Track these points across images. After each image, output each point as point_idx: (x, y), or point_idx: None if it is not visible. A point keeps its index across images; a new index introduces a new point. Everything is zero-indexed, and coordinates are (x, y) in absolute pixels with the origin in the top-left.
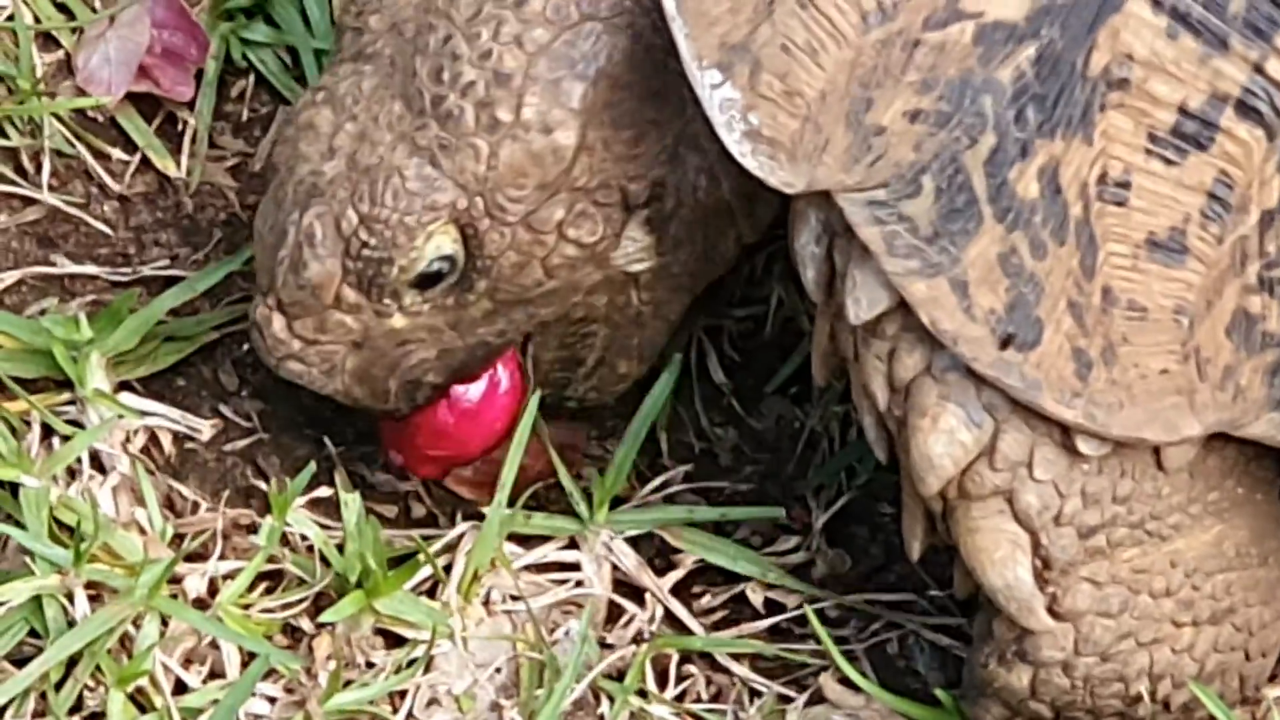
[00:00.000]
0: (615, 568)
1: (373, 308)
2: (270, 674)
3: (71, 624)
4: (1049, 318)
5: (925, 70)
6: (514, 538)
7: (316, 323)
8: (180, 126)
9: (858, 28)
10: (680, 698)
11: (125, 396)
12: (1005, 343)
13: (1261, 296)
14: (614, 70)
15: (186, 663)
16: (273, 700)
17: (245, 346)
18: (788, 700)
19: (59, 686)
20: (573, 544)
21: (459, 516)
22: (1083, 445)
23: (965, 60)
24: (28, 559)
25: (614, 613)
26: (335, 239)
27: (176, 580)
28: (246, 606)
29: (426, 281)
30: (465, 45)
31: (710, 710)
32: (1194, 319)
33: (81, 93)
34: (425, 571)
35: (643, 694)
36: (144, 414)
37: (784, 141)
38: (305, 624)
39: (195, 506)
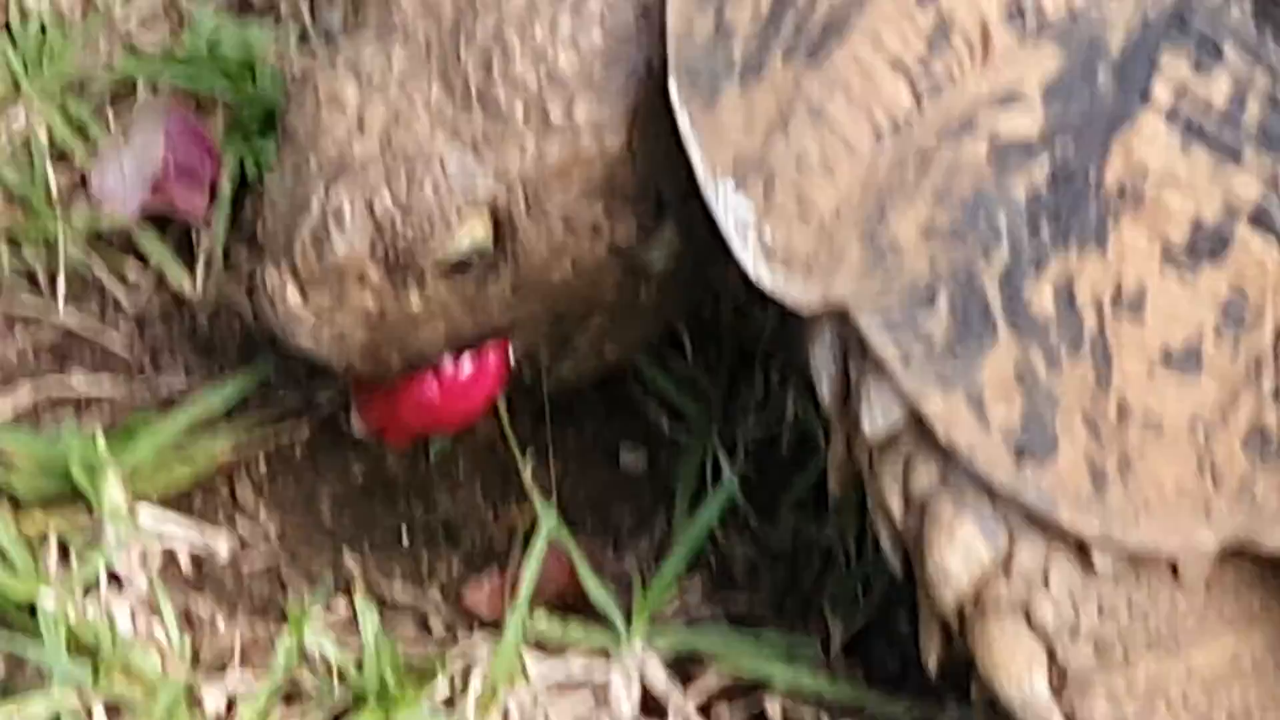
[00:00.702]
0: (644, 684)
1: (394, 289)
2: None
3: None
4: (1064, 431)
5: (939, 185)
6: (539, 651)
7: (334, 299)
8: (195, 243)
9: (872, 143)
10: None
11: (143, 514)
12: (1020, 456)
13: (1277, 408)
14: (661, 77)
15: None
16: None
17: (263, 463)
18: None
19: None
20: (597, 654)
21: (478, 630)
22: (1099, 558)
23: (979, 175)
24: (46, 677)
25: None
26: (365, 219)
27: (195, 697)
28: None
29: (454, 269)
30: (518, 39)
31: None
32: (1209, 432)
33: (97, 211)
34: (443, 687)
35: None
36: (161, 533)
37: (798, 256)
38: None
39: (213, 623)
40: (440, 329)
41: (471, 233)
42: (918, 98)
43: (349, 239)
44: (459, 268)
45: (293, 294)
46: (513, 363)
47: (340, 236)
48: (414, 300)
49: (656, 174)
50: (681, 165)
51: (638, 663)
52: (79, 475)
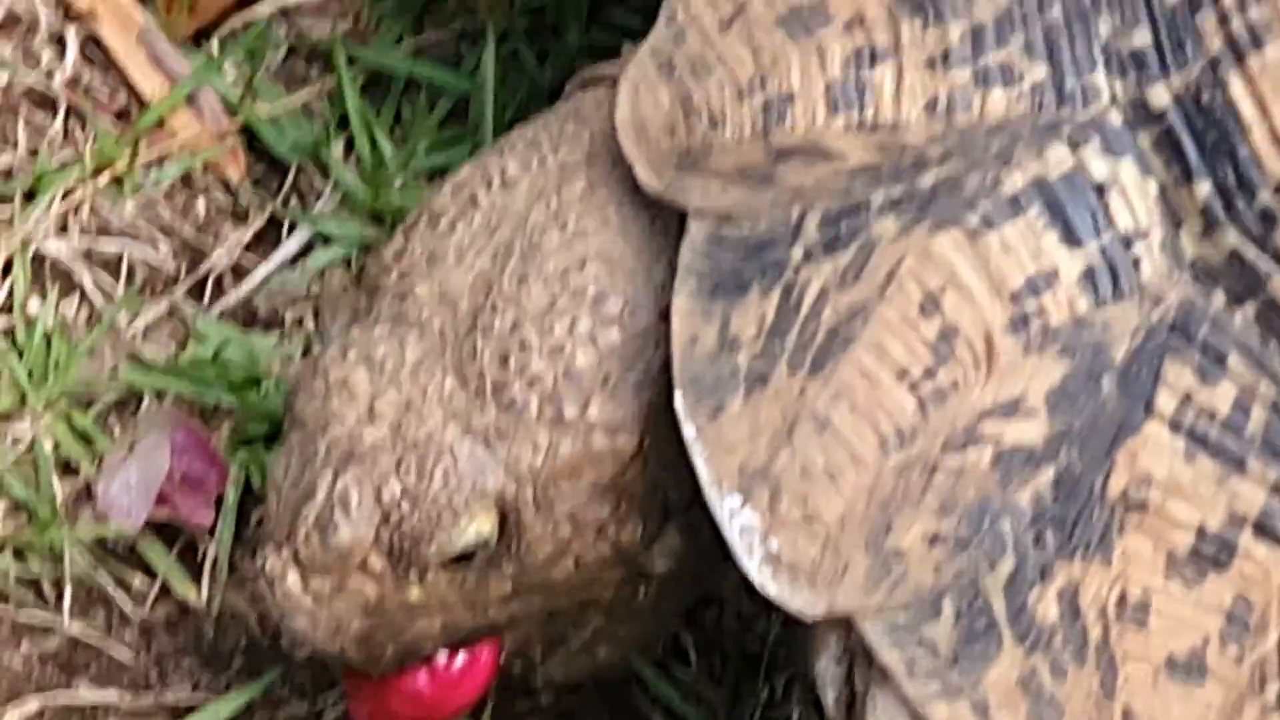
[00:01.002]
0: None
1: (395, 578)
2: None
3: None
4: None
5: (944, 494)
6: None
7: (335, 584)
8: (200, 554)
9: (877, 452)
10: None
11: None
12: None
13: None
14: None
15: None
16: None
17: None
18: None
19: None
20: None
21: None
22: None
23: (984, 484)
24: None
25: None
26: (372, 507)
27: None
28: None
29: (456, 561)
30: (536, 336)
31: None
32: None
33: (102, 520)
34: None
35: None
36: None
37: (804, 566)
38: None
39: None
40: (437, 622)
41: (478, 526)
42: (922, 407)
43: (355, 526)
44: (461, 560)
45: (292, 578)
46: (504, 658)
47: (346, 523)
48: (414, 591)
49: (665, 476)
50: (687, 469)
51: None
52: None
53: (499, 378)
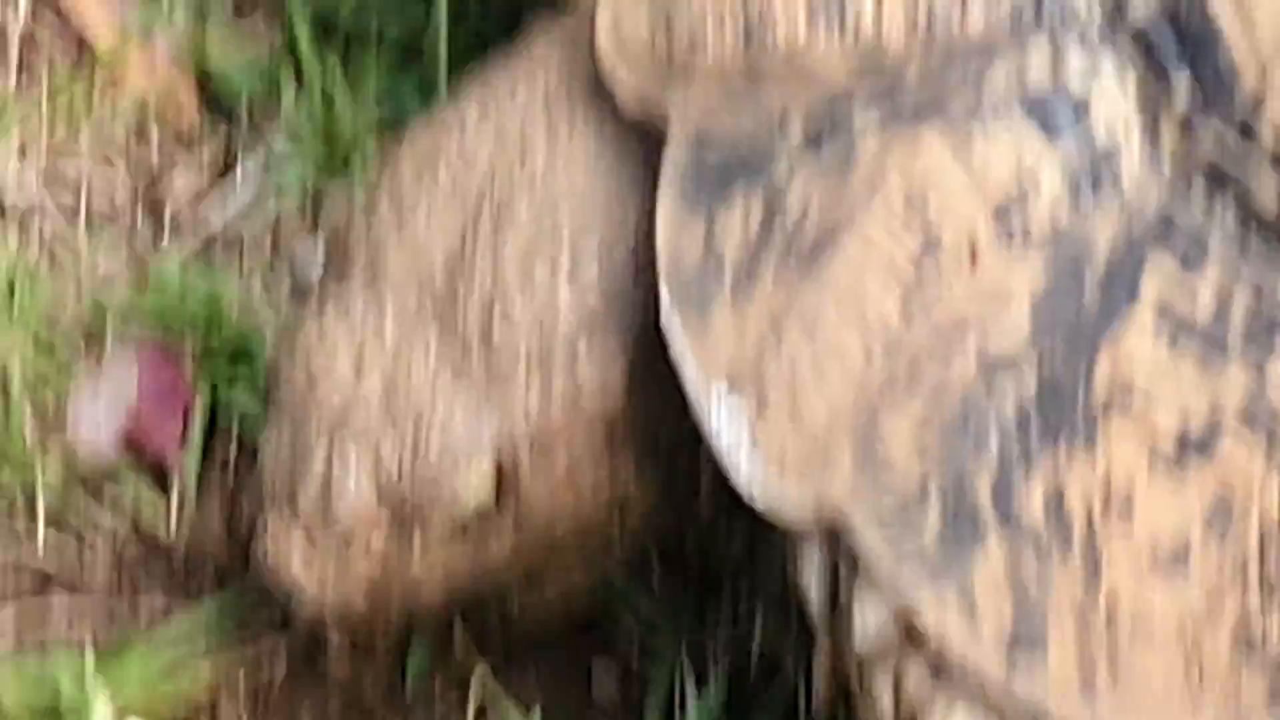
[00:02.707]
0: None
1: (397, 541)
2: None
3: None
4: (1056, 632)
5: (929, 393)
6: None
7: (339, 553)
8: (168, 485)
9: (863, 351)
10: None
11: None
12: (1012, 657)
13: (1263, 609)
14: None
15: None
16: None
17: (241, 699)
18: None
19: None
20: None
21: None
22: None
23: (969, 381)
24: None
25: None
26: (369, 480)
27: None
28: None
29: (458, 521)
30: (517, 281)
31: None
32: (1197, 632)
33: (71, 449)
34: None
35: None
36: None
37: (791, 463)
38: None
39: None
40: (440, 582)
41: (476, 490)
42: (908, 307)
43: (355, 494)
44: (463, 519)
45: (297, 550)
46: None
47: (346, 491)
48: (415, 556)
49: (654, 408)
50: (677, 398)
51: None
52: (69, 698)
53: (484, 327)
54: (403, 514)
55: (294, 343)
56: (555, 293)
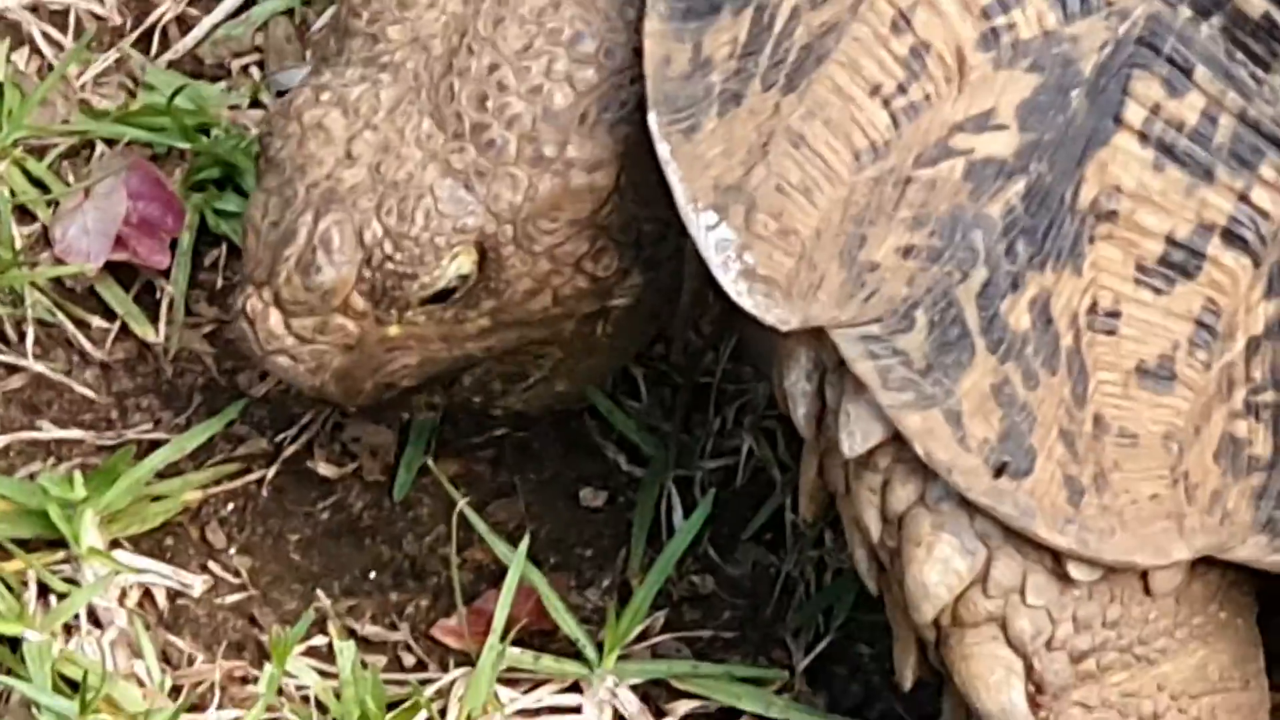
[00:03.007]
0: (616, 712)
1: (375, 316)
2: None
3: None
4: (1041, 446)
5: (917, 207)
6: (508, 682)
7: (317, 324)
8: (158, 295)
9: (851, 166)
10: None
11: (118, 554)
12: (999, 472)
13: (1248, 421)
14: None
15: None
16: None
17: (231, 506)
18: None
19: None
20: (570, 689)
21: (451, 663)
22: (1074, 571)
23: (956, 196)
24: (32, 710)
25: None
26: (354, 247)
27: None
28: None
29: (437, 298)
30: (513, 77)
31: None
32: (1183, 445)
33: (60, 263)
34: (421, 717)
35: None
36: (138, 570)
37: (779, 280)
38: None
39: (191, 659)
40: (415, 357)
41: (459, 264)
42: (895, 122)
43: (337, 266)
44: (441, 297)
45: (275, 318)
46: (464, 393)
47: (328, 264)
48: (393, 328)
49: (640, 210)
50: (662, 200)
51: (610, 692)
52: (57, 517)
53: (477, 118)
54: (382, 284)
55: (288, 125)
56: (551, 90)
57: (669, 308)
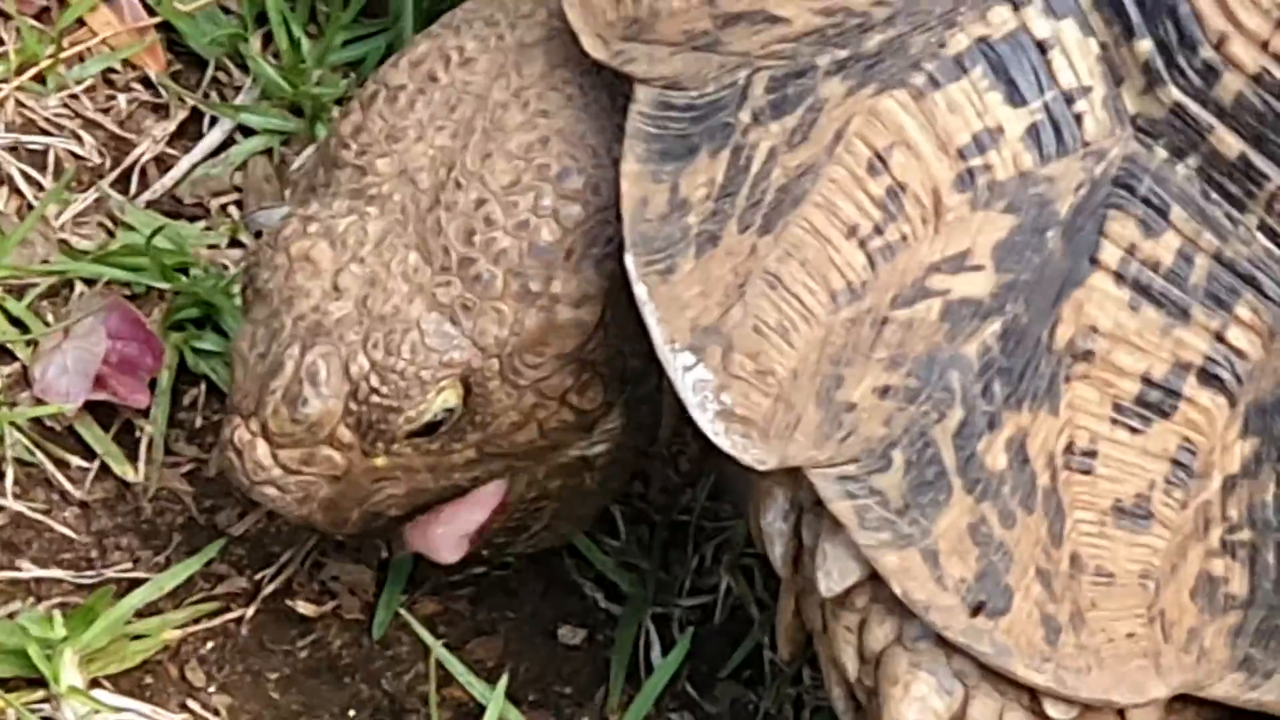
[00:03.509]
0: None
1: (362, 448)
2: None
3: None
4: (1018, 585)
5: (894, 347)
6: None
7: (304, 455)
8: (137, 434)
9: (827, 307)
10: None
11: (98, 693)
12: (976, 611)
13: (1224, 560)
14: None
15: None
16: None
17: (210, 644)
18: None
19: None
20: None
21: None
22: (1051, 709)
23: (933, 336)
24: None
25: None
26: (341, 381)
27: None
28: None
29: (423, 431)
30: (501, 212)
31: None
32: (1159, 583)
33: (40, 402)
34: None
35: None
36: (117, 710)
37: (756, 420)
38: None
39: None
40: (402, 488)
41: (445, 398)
42: (871, 263)
43: (323, 399)
44: (427, 430)
45: (262, 449)
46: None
47: (315, 396)
48: (380, 460)
49: (625, 344)
50: (644, 339)
51: None
52: (36, 656)
53: (464, 252)
54: (369, 417)
55: (275, 257)
56: (538, 226)
57: (649, 445)
